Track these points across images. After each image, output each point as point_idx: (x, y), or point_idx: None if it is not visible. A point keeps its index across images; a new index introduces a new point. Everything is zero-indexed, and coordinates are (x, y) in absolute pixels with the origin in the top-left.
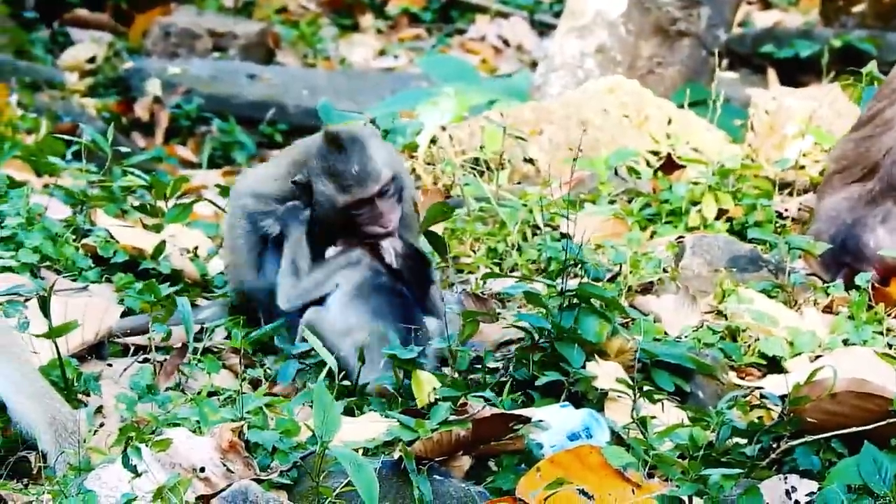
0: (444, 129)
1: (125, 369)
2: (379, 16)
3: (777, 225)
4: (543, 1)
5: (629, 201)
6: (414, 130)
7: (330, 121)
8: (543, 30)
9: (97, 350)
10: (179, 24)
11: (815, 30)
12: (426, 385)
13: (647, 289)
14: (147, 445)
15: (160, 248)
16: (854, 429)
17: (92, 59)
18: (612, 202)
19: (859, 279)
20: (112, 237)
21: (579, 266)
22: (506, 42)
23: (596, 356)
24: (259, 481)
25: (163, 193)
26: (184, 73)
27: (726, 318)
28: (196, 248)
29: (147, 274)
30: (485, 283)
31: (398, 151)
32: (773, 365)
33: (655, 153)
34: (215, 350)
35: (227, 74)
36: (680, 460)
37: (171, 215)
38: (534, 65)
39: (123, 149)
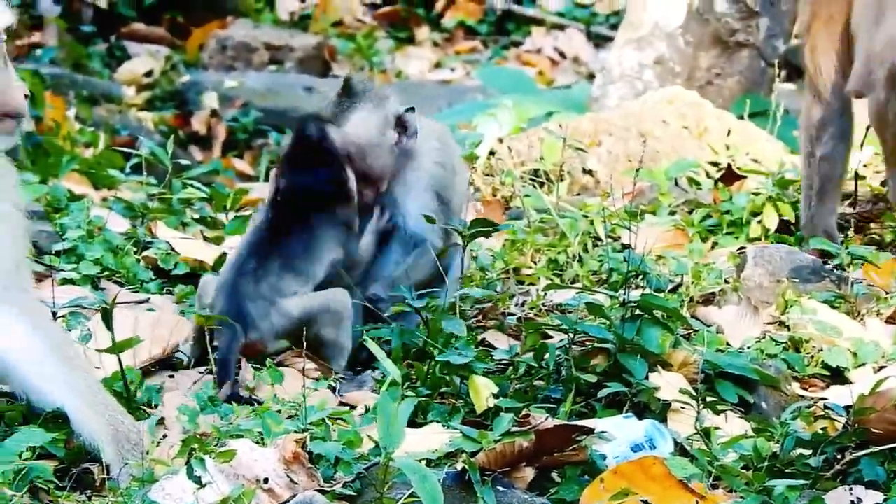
0: (502, 140)
1: (194, 382)
2: (435, 28)
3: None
4: (599, 13)
5: (690, 212)
6: (473, 142)
7: None
8: (599, 42)
9: (163, 361)
10: (236, 38)
11: None
12: (483, 391)
13: (708, 300)
14: (211, 457)
15: (220, 259)
16: None
17: (149, 73)
18: (672, 213)
19: None
20: (173, 249)
21: (641, 277)
22: (562, 54)
23: (659, 367)
24: (323, 492)
25: (222, 205)
26: (240, 86)
27: (789, 329)
28: None
29: None
30: (546, 294)
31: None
32: (837, 376)
33: (715, 164)
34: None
35: (284, 87)
36: (744, 471)
37: (230, 227)
38: (590, 77)
39: (182, 161)
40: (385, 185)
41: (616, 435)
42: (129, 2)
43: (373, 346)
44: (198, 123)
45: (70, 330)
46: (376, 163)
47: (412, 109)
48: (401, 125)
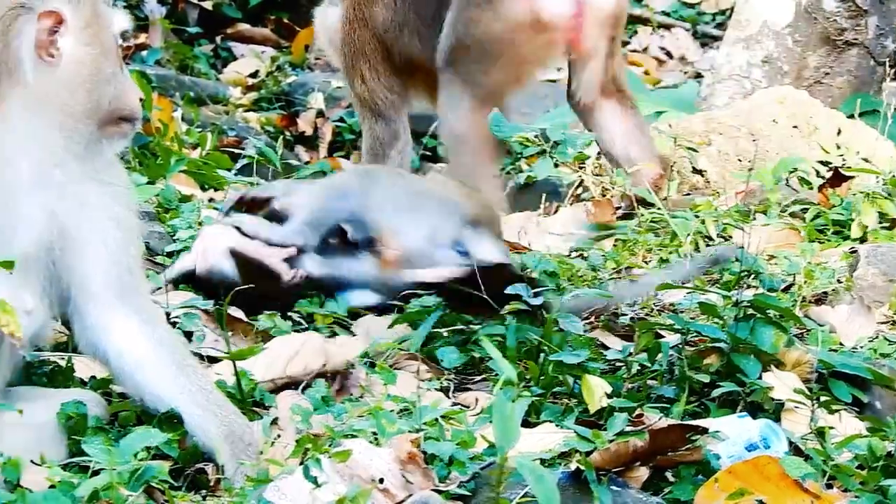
0: None
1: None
2: None
3: None
4: (706, 11)
5: (801, 212)
6: (585, 142)
7: (500, 132)
8: (706, 41)
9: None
10: None
11: None
12: (597, 390)
13: (821, 299)
14: (327, 456)
15: None
16: None
17: (254, 74)
18: (783, 213)
19: None
20: None
21: (753, 277)
22: (668, 53)
23: (772, 366)
24: (438, 492)
25: None
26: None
27: None
28: None
29: None
30: (657, 294)
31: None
32: None
33: (825, 163)
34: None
35: None
36: (859, 471)
37: None
38: (697, 76)
39: (290, 162)
40: None
41: (730, 434)
42: (234, 3)
43: (488, 345)
44: (304, 124)
45: (183, 330)
46: None
47: None
48: None
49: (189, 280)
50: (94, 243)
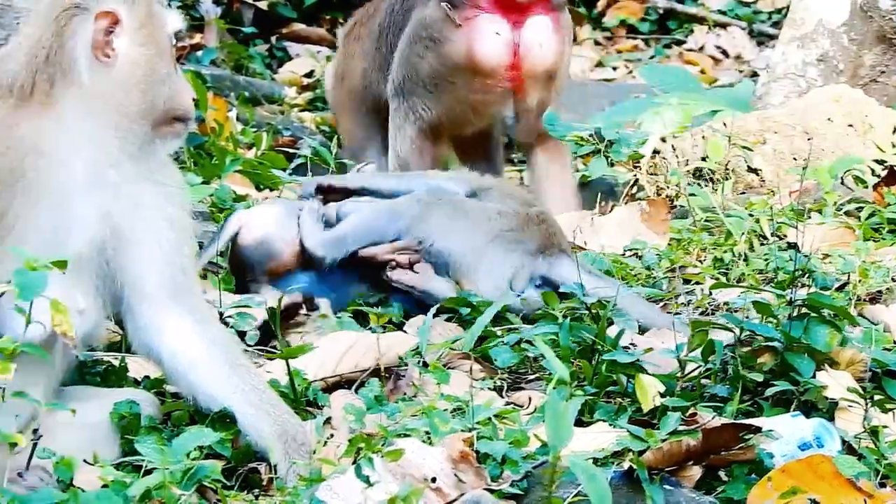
0: (665, 140)
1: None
2: (596, 27)
3: None
4: (762, 10)
5: (856, 210)
6: (639, 141)
7: (555, 131)
8: (762, 40)
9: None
10: None
11: None
12: (650, 389)
13: (875, 298)
14: (379, 456)
15: None
16: None
17: (310, 74)
18: (838, 212)
19: None
20: None
21: (807, 276)
22: (724, 52)
23: (826, 365)
24: (490, 491)
25: None
26: None
27: None
28: None
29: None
30: (712, 293)
31: None
32: None
33: (880, 162)
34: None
35: None
36: None
37: None
38: (753, 75)
39: (345, 162)
40: None
41: (784, 433)
42: (289, 3)
43: (541, 345)
44: None
45: (237, 329)
46: None
47: None
48: None
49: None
50: (147, 243)
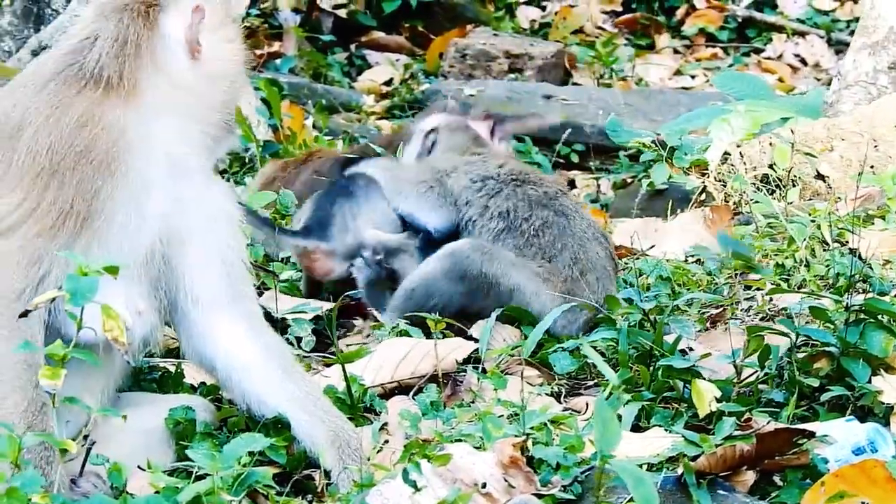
0: (734, 146)
1: (415, 388)
2: (675, 36)
3: None
4: (840, 18)
5: None
6: (703, 147)
7: (618, 137)
8: (841, 48)
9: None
10: (476, 46)
11: None
12: (706, 395)
13: None
14: (429, 461)
15: None
16: None
17: (388, 82)
18: None
19: None
20: None
21: (865, 281)
22: (803, 61)
23: (882, 371)
24: (540, 496)
25: None
26: (480, 94)
27: None
28: None
29: None
30: (771, 299)
31: None
32: None
33: None
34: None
35: (523, 95)
36: None
37: None
38: (829, 83)
39: None
40: None
41: (838, 438)
42: (369, 11)
43: (590, 351)
44: None
45: (292, 336)
46: None
47: None
48: None
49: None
50: (206, 242)
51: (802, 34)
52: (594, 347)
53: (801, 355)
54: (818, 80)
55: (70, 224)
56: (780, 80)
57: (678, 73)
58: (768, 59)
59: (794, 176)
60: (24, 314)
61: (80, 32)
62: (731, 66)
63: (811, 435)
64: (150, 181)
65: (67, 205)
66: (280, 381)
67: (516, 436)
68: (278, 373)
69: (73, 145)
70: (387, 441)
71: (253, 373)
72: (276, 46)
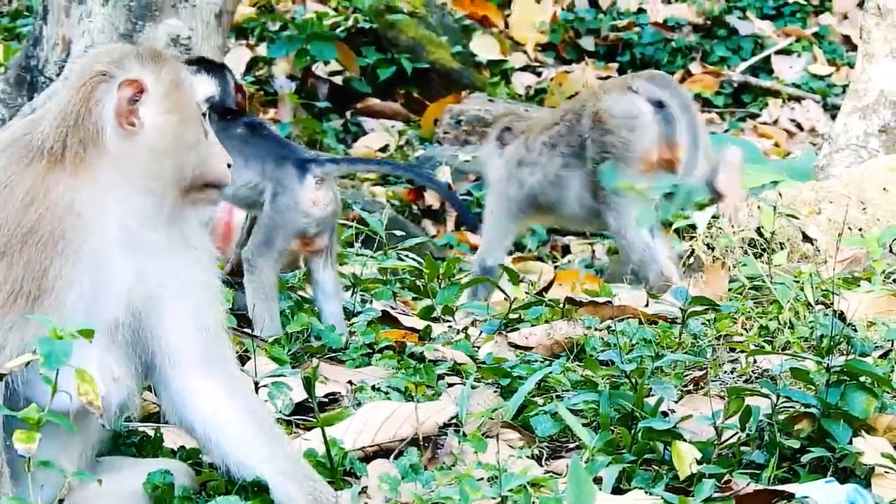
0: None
1: (396, 451)
2: None
3: None
4: (836, 83)
5: None
6: (683, 203)
7: (612, 189)
8: (836, 113)
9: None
10: (470, 112)
11: None
12: (687, 456)
13: None
14: None
15: (427, 331)
16: None
17: (384, 148)
18: (886, 280)
19: None
20: (379, 320)
21: (846, 342)
22: (799, 126)
23: (863, 432)
24: None
25: (434, 276)
26: (474, 160)
27: None
28: (466, 328)
29: (413, 356)
30: (754, 360)
31: None
32: None
33: None
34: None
35: None
36: None
37: (441, 297)
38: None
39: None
40: None
41: (818, 500)
42: (364, 78)
43: (565, 414)
44: (431, 198)
45: (272, 399)
46: None
47: None
48: None
49: None
50: (179, 310)
51: (798, 99)
52: (576, 410)
53: (782, 417)
54: (814, 144)
55: (21, 302)
56: (776, 144)
57: None
58: (764, 124)
59: (784, 239)
60: None
61: (45, 105)
62: (726, 131)
63: (791, 496)
64: (104, 256)
65: (18, 284)
66: (259, 444)
67: (493, 498)
68: (258, 435)
69: (20, 225)
70: None
71: (232, 435)
72: (271, 113)
